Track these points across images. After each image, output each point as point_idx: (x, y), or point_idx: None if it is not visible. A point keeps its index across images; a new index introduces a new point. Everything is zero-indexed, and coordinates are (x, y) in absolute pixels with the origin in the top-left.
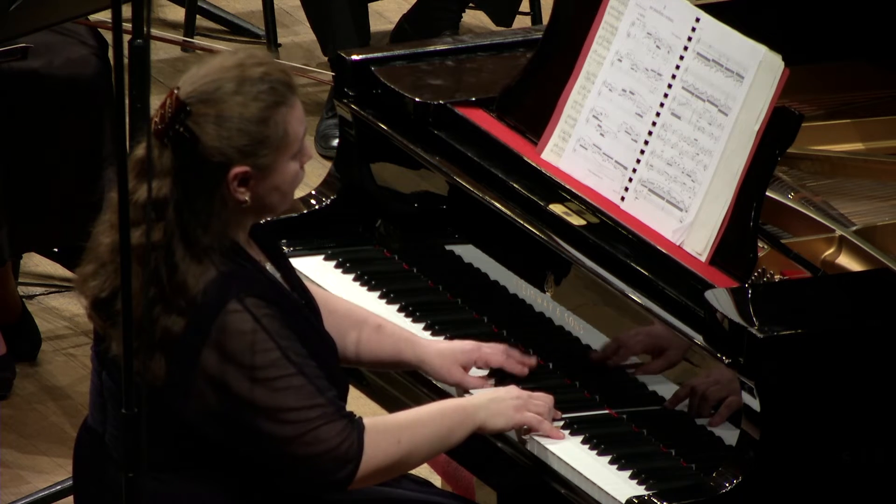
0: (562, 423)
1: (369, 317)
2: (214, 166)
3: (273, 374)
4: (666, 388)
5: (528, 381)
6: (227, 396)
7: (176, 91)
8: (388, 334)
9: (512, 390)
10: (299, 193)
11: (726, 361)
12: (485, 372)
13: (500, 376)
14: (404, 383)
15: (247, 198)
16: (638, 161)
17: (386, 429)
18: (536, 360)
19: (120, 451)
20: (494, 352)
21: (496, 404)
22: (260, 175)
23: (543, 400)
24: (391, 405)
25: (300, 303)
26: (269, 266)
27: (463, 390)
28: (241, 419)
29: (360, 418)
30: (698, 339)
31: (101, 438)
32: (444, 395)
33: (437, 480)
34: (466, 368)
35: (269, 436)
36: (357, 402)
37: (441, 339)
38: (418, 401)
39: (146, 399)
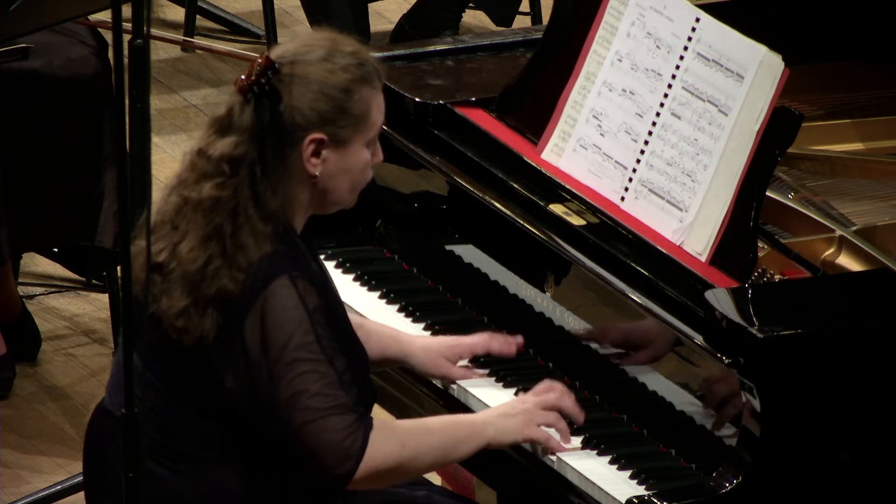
0: (581, 436)
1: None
2: (293, 128)
3: (302, 355)
4: (666, 389)
5: (528, 381)
6: (255, 365)
7: (267, 53)
8: (371, 332)
9: (518, 404)
10: None
11: (726, 361)
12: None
13: (486, 364)
14: (404, 383)
15: (318, 172)
16: (638, 161)
17: (392, 431)
18: (521, 339)
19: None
20: (478, 341)
21: (504, 420)
22: (334, 148)
23: (550, 402)
24: (391, 405)
25: (343, 303)
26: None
27: (449, 382)
28: (262, 391)
29: (371, 418)
30: (698, 339)
31: (116, 422)
32: (444, 393)
33: (437, 480)
34: (453, 362)
35: (281, 416)
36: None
37: (427, 334)
38: (418, 400)
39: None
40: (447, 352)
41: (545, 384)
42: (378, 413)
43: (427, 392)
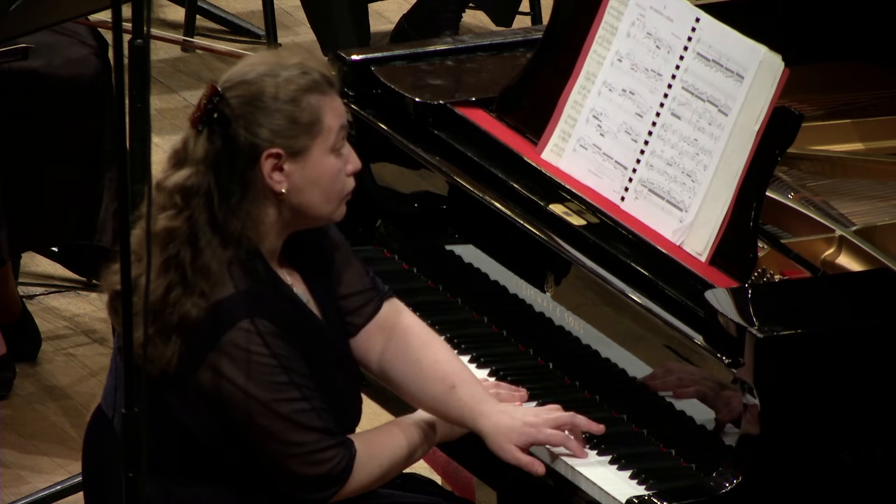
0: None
1: (448, 376)
2: (248, 148)
3: (276, 397)
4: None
5: (532, 383)
6: (220, 406)
7: (212, 82)
8: (457, 399)
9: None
10: None
11: (726, 361)
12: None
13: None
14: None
15: (283, 189)
16: (638, 161)
17: (372, 454)
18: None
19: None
20: (554, 434)
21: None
22: (293, 161)
23: (561, 418)
24: (391, 405)
25: (322, 324)
26: (298, 287)
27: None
28: (234, 429)
29: (353, 443)
30: (698, 339)
31: (110, 424)
32: None
33: (437, 480)
34: (523, 448)
35: (260, 450)
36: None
37: (513, 407)
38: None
39: (150, 397)
40: (521, 440)
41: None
42: (378, 412)
43: None
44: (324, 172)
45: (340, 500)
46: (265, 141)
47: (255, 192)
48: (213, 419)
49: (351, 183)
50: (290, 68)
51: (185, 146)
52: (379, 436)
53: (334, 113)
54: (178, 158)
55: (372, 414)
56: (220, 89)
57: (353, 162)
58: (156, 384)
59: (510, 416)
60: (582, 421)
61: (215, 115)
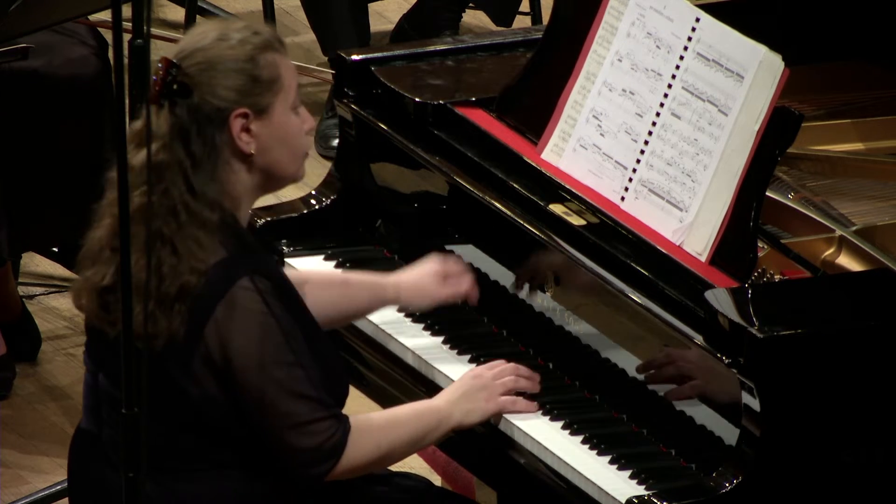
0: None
1: (332, 276)
2: (214, 112)
3: (273, 359)
4: (666, 389)
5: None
6: (223, 373)
7: (165, 57)
8: (357, 285)
9: (476, 381)
10: (300, 193)
11: (726, 361)
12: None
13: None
14: (404, 383)
15: (252, 149)
16: (638, 161)
17: (368, 431)
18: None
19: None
20: (459, 264)
21: (467, 401)
22: (260, 120)
23: (506, 372)
24: (391, 405)
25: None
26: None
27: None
28: (234, 397)
29: (348, 418)
30: (698, 339)
31: (97, 440)
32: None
33: (437, 480)
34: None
35: (257, 421)
36: (357, 401)
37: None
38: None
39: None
40: (433, 276)
41: (495, 362)
42: (360, 400)
43: (426, 393)
44: (288, 130)
45: (337, 478)
46: (231, 102)
47: (226, 157)
48: (218, 391)
49: (310, 141)
50: (241, 30)
51: (147, 124)
52: (379, 416)
53: (290, 71)
54: (142, 137)
55: (355, 401)
56: (175, 61)
57: (309, 121)
58: (160, 362)
59: (409, 272)
60: (520, 405)
61: (175, 87)
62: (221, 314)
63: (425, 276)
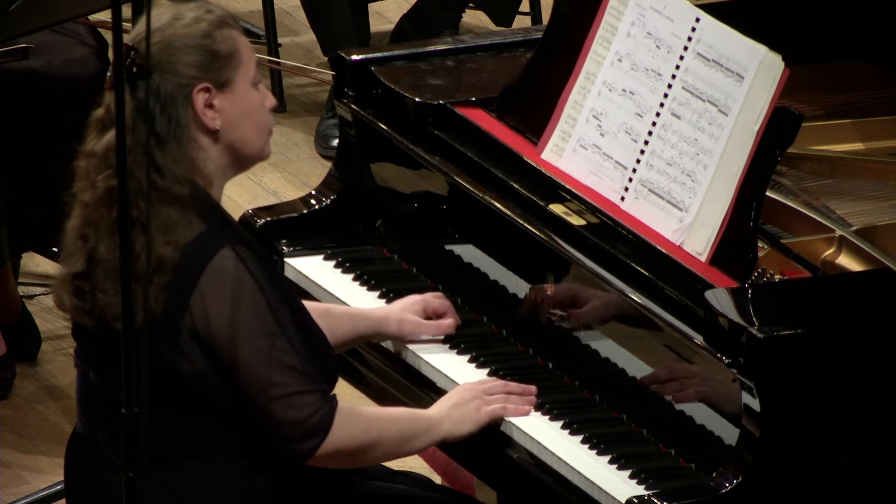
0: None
1: (314, 306)
2: (176, 89)
3: (258, 326)
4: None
5: (532, 383)
6: (209, 344)
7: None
8: (338, 315)
9: (467, 392)
10: (299, 193)
11: (726, 361)
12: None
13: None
14: (404, 383)
15: (217, 125)
16: (638, 161)
17: (357, 415)
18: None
19: (117, 450)
20: (440, 301)
21: (458, 411)
22: (222, 94)
23: (496, 389)
24: (391, 405)
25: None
26: None
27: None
28: (222, 369)
29: (335, 395)
30: (698, 339)
31: (94, 442)
32: (443, 392)
33: (437, 480)
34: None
35: (244, 393)
36: (357, 402)
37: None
38: (419, 401)
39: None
40: (413, 308)
41: (485, 379)
42: (360, 400)
43: (429, 393)
44: (251, 104)
45: (321, 463)
46: (192, 78)
47: (191, 134)
48: (208, 366)
49: (272, 119)
50: (194, 9)
51: (108, 110)
52: (369, 407)
53: (247, 46)
54: (104, 124)
55: (351, 398)
56: (132, 45)
57: (269, 97)
58: (152, 343)
59: (389, 305)
60: (511, 408)
61: (134, 70)
62: (205, 283)
63: (405, 307)
